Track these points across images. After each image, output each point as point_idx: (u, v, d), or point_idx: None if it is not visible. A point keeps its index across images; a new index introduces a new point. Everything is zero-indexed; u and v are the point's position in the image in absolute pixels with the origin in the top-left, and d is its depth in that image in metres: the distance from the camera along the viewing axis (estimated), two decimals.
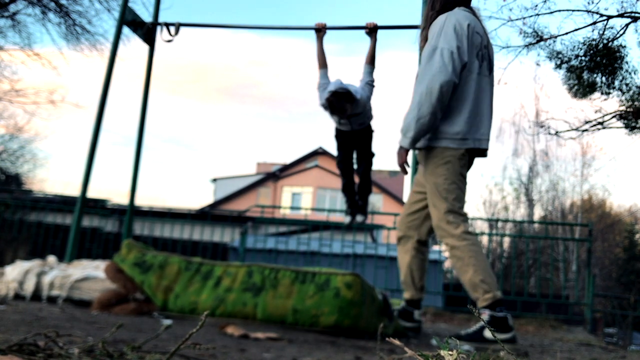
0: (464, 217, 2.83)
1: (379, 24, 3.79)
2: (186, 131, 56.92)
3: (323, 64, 3.62)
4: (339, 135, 3.69)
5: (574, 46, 9.99)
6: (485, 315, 2.70)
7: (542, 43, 10.09)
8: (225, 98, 53.37)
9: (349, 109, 3.35)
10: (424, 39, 2.93)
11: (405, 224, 3.09)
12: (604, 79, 10.19)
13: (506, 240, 24.09)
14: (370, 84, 3.53)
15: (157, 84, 47.31)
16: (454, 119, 2.79)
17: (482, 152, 2.91)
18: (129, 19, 4.27)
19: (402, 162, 2.90)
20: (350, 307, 2.57)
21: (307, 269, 2.76)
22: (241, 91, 54.05)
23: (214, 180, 33.79)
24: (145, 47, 4.51)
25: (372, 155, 3.76)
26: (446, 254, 2.98)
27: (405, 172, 2.91)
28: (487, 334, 2.68)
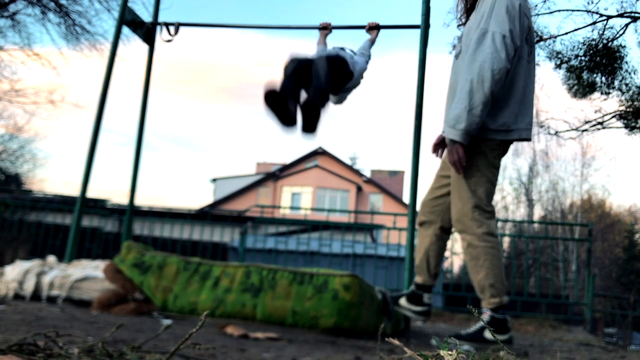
0: (489, 214, 2.67)
1: (382, 24, 3.82)
2: (187, 131, 56.96)
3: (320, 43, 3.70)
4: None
5: (574, 46, 10.00)
6: (486, 315, 2.67)
7: (542, 43, 10.09)
8: (229, 98, 53.48)
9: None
10: (466, 11, 2.75)
11: (428, 209, 2.88)
12: (603, 79, 10.20)
13: (506, 240, 24.09)
14: (367, 57, 3.52)
15: (162, 84, 47.37)
16: (499, 108, 2.57)
17: (525, 140, 2.72)
18: (128, 19, 4.27)
19: (459, 159, 2.57)
20: (349, 309, 2.57)
21: (305, 270, 2.75)
22: (247, 91, 54.09)
23: (214, 180, 33.79)
24: (145, 47, 4.51)
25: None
26: (461, 248, 2.84)
27: (459, 172, 2.62)
28: (487, 334, 2.65)
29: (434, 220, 2.86)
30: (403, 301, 2.92)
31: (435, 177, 2.92)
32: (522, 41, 2.57)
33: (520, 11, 2.54)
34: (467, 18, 2.76)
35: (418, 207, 3.06)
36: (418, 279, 2.94)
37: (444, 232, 2.88)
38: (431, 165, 55.22)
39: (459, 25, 2.88)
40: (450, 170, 2.73)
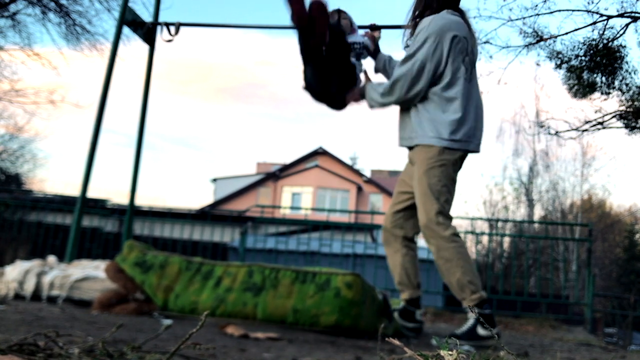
0: (451, 220, 2.88)
1: (383, 23, 3.81)
2: (187, 131, 56.98)
3: None
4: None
5: (574, 46, 9.99)
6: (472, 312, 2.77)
7: (542, 43, 10.09)
8: (229, 98, 53.47)
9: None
10: (410, 36, 2.98)
11: (390, 224, 3.06)
12: (604, 79, 10.19)
13: (506, 240, 24.08)
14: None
15: (162, 84, 47.33)
16: (450, 122, 2.81)
17: (473, 152, 2.96)
18: (129, 19, 4.27)
19: (353, 98, 3.04)
20: (350, 307, 2.57)
21: (308, 269, 2.76)
22: (247, 91, 54.10)
23: (214, 180, 33.79)
24: (145, 47, 4.51)
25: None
26: (432, 255, 2.96)
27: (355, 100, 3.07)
28: (481, 330, 2.73)
29: (397, 233, 3.03)
30: (395, 316, 3.00)
31: (395, 194, 3.12)
32: (459, 63, 2.83)
33: (453, 41, 2.81)
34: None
35: None
36: (404, 295, 3.02)
37: (410, 241, 3.05)
38: None
39: (405, 48, 3.05)
40: (409, 186, 2.99)
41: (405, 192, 3.05)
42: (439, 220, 2.80)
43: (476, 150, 2.89)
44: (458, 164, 2.88)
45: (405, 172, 3.09)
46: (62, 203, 9.56)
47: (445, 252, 2.77)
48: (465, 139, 2.83)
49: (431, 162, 2.81)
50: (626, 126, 10.67)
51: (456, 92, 2.83)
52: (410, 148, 2.95)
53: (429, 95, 2.84)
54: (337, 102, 3.16)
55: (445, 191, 2.82)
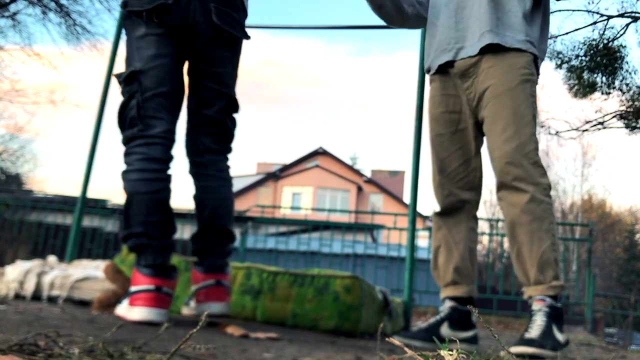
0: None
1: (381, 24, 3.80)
2: None
3: None
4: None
5: (574, 46, 10.01)
6: (543, 304, 2.01)
7: None
8: None
9: None
10: None
11: (450, 186, 2.17)
12: (604, 79, 10.21)
13: (506, 240, 24.06)
14: None
15: None
16: (543, 30, 2.13)
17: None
18: None
19: None
20: (349, 312, 2.58)
21: (306, 272, 2.76)
22: (248, 91, 54.15)
23: None
24: None
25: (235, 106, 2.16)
26: (506, 205, 1.96)
27: None
28: (558, 333, 1.95)
29: (466, 197, 2.17)
30: (445, 329, 2.22)
31: (440, 140, 2.18)
32: None
33: None
34: None
35: (419, 207, 2.93)
36: (459, 290, 2.21)
37: (476, 211, 2.23)
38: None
39: None
40: (462, 113, 2.13)
41: (460, 129, 2.14)
42: (537, 159, 1.94)
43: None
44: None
45: (447, 100, 2.15)
46: (62, 203, 9.56)
47: (538, 206, 1.92)
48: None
49: (521, 72, 1.99)
50: (626, 126, 10.70)
51: None
52: (476, 56, 2.06)
53: None
54: None
55: (535, 123, 1.98)
